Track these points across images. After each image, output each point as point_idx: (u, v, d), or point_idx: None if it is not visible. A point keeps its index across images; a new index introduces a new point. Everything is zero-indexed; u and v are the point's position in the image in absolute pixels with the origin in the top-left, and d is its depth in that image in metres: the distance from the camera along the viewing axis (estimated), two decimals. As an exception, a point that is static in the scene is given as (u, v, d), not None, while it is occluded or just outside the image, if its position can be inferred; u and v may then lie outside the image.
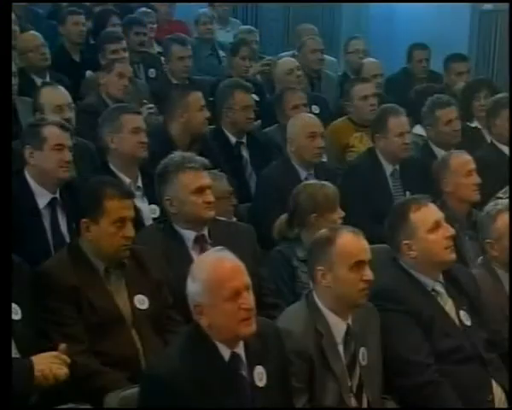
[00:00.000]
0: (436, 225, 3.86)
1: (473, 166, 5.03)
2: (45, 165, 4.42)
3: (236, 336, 3.10)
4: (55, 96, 5.30)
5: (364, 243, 3.56)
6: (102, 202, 3.74)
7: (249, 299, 3.10)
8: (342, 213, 4.50)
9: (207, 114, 5.56)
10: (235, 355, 3.12)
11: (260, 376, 3.13)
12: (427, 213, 3.88)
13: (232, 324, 3.05)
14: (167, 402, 2.99)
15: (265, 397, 3.13)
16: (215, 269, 3.09)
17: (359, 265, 3.50)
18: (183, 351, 3.08)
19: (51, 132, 4.45)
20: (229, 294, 3.05)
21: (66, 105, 5.27)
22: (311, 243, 3.70)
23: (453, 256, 3.89)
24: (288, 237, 4.55)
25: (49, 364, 3.35)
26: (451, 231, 3.89)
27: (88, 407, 3.48)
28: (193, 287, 3.11)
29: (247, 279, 3.13)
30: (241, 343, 3.14)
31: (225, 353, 3.10)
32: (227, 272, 3.09)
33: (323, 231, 3.66)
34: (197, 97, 5.56)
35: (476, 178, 5.00)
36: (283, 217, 4.62)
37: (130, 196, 3.90)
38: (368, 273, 3.51)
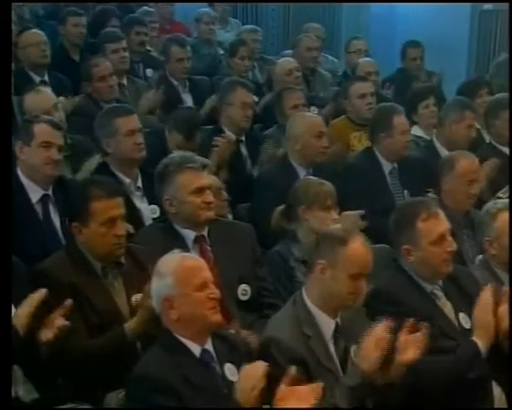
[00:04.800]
0: (440, 238, 3.82)
1: (477, 176, 4.95)
2: (32, 161, 4.44)
3: (205, 324, 3.26)
4: (39, 101, 5.23)
5: (370, 258, 3.54)
6: (89, 205, 3.74)
7: (215, 289, 3.30)
8: (335, 216, 4.49)
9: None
10: (205, 351, 3.28)
11: (232, 371, 3.29)
12: (434, 225, 3.82)
13: (202, 311, 3.24)
14: (154, 398, 3.12)
15: None
16: (184, 262, 3.31)
17: (359, 276, 3.49)
18: (160, 353, 3.24)
19: (40, 129, 4.46)
20: (199, 283, 3.26)
21: (53, 107, 5.21)
22: (320, 235, 3.67)
23: (449, 269, 3.86)
24: (285, 228, 4.56)
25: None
26: (454, 246, 3.86)
27: (88, 406, 3.48)
28: (161, 282, 3.29)
29: (210, 274, 3.34)
30: (210, 341, 3.31)
31: (196, 350, 3.26)
32: (195, 265, 3.34)
33: (337, 227, 3.66)
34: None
35: (475, 188, 4.94)
36: (280, 207, 4.65)
37: (119, 193, 3.86)
38: (362, 285, 3.50)
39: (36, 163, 4.43)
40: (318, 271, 3.52)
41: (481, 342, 3.67)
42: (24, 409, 3.47)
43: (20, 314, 3.36)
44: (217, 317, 3.28)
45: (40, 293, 3.38)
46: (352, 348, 3.53)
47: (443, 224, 3.87)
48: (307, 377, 3.37)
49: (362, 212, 4.78)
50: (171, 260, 3.33)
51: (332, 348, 3.52)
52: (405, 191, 5.43)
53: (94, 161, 5.05)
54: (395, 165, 5.58)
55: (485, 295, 3.74)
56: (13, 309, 3.50)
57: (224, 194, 4.74)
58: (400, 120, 5.58)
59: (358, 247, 3.51)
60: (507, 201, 4.44)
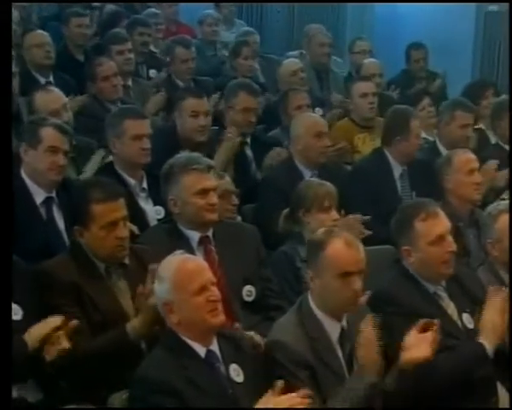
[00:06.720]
0: (439, 239, 3.80)
1: (476, 165, 5.03)
2: (37, 165, 4.43)
3: (206, 327, 3.25)
4: (49, 100, 5.24)
5: (357, 255, 3.47)
6: (89, 209, 3.73)
7: (215, 292, 3.28)
8: (335, 216, 4.48)
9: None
10: (210, 352, 3.27)
11: (237, 372, 3.29)
12: (432, 225, 3.82)
13: (201, 315, 3.23)
14: (158, 400, 3.11)
15: (245, 392, 3.24)
16: (182, 267, 3.29)
17: (347, 275, 3.43)
18: (164, 354, 3.23)
19: (47, 134, 4.45)
20: (197, 288, 3.23)
21: (62, 107, 5.22)
22: (306, 243, 3.69)
23: (450, 271, 3.84)
24: (291, 231, 4.56)
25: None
26: (453, 246, 3.84)
27: (92, 407, 3.48)
28: (161, 287, 3.30)
29: (211, 276, 3.32)
30: (215, 342, 3.30)
31: (201, 350, 3.26)
32: (193, 268, 3.29)
33: (319, 232, 3.62)
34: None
35: (478, 178, 4.99)
36: (285, 211, 4.66)
37: (120, 196, 3.83)
38: (356, 284, 3.44)
39: (41, 168, 4.42)
40: (309, 281, 3.51)
41: (488, 343, 3.66)
42: (28, 409, 3.48)
43: (34, 334, 3.39)
44: (217, 319, 3.26)
45: (57, 320, 3.40)
46: (357, 349, 3.53)
47: (442, 224, 3.85)
48: (314, 380, 3.36)
49: (367, 218, 4.76)
50: (170, 265, 3.31)
51: (338, 351, 3.50)
52: (413, 194, 5.42)
53: (97, 159, 5.06)
54: (405, 168, 5.58)
55: (496, 298, 3.73)
56: (14, 309, 3.53)
57: (234, 198, 4.73)
58: (416, 123, 5.60)
59: (338, 247, 3.44)
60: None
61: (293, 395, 3.10)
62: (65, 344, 3.39)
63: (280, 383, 3.12)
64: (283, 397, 3.09)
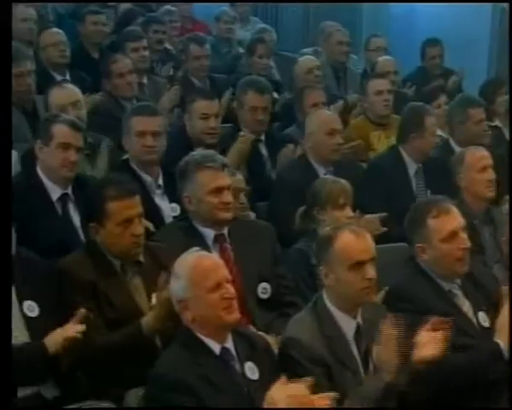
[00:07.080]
0: (451, 236, 3.79)
1: (488, 161, 4.97)
2: (50, 161, 4.44)
3: (221, 325, 3.26)
4: (61, 96, 5.24)
5: (366, 244, 3.51)
6: (105, 206, 3.74)
7: (230, 289, 3.28)
8: (350, 214, 4.48)
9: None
10: (225, 349, 3.27)
11: (252, 370, 3.28)
12: (444, 222, 3.81)
13: (215, 313, 3.24)
14: (173, 397, 3.12)
15: (260, 390, 3.18)
16: (198, 264, 3.30)
17: (360, 265, 3.46)
18: (179, 351, 3.25)
19: (59, 130, 4.45)
20: (212, 285, 3.24)
21: (74, 103, 5.19)
22: (315, 242, 3.70)
23: (464, 269, 3.83)
24: (307, 229, 4.56)
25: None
26: (467, 243, 3.82)
27: (106, 405, 3.49)
28: (177, 284, 3.31)
29: (227, 273, 3.33)
30: (230, 339, 3.30)
31: (216, 348, 3.26)
32: (209, 265, 3.31)
33: (326, 229, 3.66)
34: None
35: (490, 175, 4.94)
36: (301, 209, 4.66)
37: (135, 193, 3.84)
38: (369, 272, 3.46)
39: (54, 164, 4.42)
40: (323, 277, 3.52)
41: (504, 343, 3.64)
42: (45, 406, 3.50)
43: (55, 338, 3.42)
44: (232, 316, 3.26)
45: (79, 327, 3.42)
46: (374, 348, 3.53)
47: (454, 221, 3.84)
48: (329, 378, 3.36)
49: (384, 214, 4.75)
50: (185, 262, 3.33)
51: (354, 349, 3.50)
52: (428, 191, 5.40)
53: (104, 157, 5.08)
54: (420, 165, 5.56)
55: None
56: (29, 306, 3.55)
57: (243, 197, 4.72)
58: (432, 120, 5.57)
59: (347, 239, 3.48)
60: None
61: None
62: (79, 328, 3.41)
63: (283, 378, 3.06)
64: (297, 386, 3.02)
